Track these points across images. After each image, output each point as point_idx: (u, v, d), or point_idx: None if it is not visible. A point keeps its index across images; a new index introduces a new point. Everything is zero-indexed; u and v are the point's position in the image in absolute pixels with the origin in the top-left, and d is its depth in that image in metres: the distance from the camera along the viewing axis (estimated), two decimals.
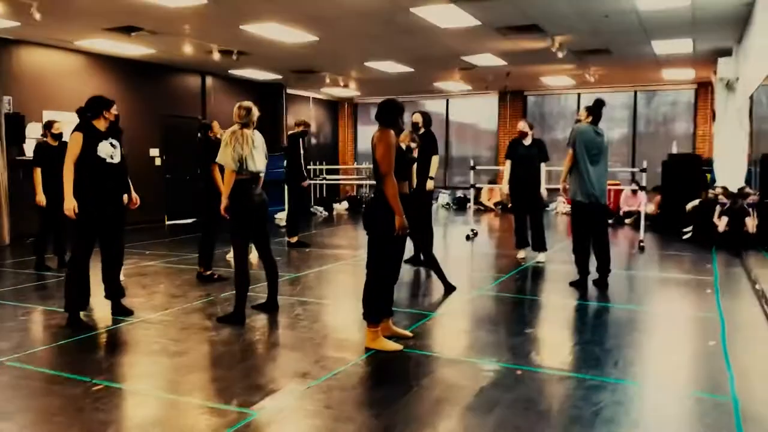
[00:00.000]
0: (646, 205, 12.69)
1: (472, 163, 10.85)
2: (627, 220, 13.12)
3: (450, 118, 18.46)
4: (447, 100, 18.27)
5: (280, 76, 14.43)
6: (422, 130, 7.41)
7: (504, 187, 8.55)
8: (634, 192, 13.02)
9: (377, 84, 15.58)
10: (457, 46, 10.80)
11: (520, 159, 8.27)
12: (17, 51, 10.29)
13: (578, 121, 6.76)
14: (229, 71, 13.76)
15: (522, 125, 8.46)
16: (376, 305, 4.44)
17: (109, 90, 11.80)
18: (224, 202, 5.14)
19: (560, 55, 10.60)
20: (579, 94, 16.42)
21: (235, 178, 5.09)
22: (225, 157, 5.09)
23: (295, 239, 9.57)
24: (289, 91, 16.32)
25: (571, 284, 6.67)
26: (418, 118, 7.47)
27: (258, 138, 5.34)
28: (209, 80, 14.04)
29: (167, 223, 13.06)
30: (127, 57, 11.82)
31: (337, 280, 7.39)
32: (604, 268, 6.69)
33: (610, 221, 13.02)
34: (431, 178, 7.46)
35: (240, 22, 9.09)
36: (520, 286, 6.77)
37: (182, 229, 12.12)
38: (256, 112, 5.38)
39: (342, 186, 18.52)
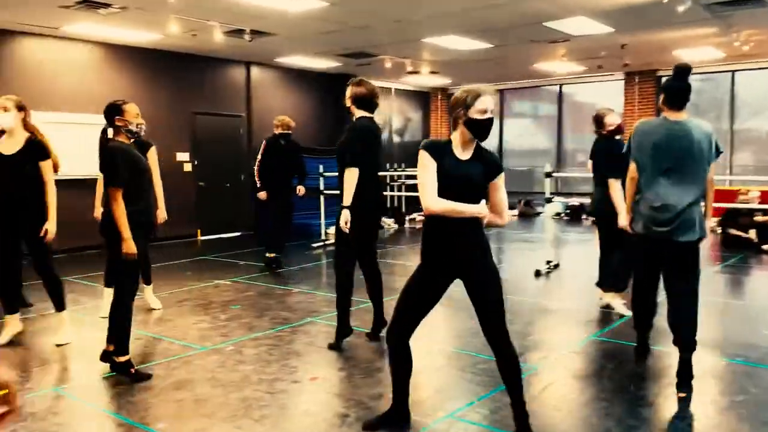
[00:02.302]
0: None
1: (548, 169, 7.76)
2: None
3: (563, 108, 15.10)
4: (560, 87, 14.92)
5: (339, 64, 12.09)
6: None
7: (622, 216, 5.22)
8: None
9: (463, 67, 12.71)
10: (530, 4, 7.77)
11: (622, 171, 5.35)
12: (4, 41, 8.77)
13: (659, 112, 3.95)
14: (275, 60, 11.67)
15: (615, 118, 5.51)
16: None
17: (125, 85, 10.15)
18: None
19: (680, 9, 7.22)
20: (733, 72, 12.40)
21: None
22: None
23: (271, 255, 8.04)
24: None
25: (637, 352, 4.41)
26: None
27: None
28: (255, 71, 12.03)
29: (200, 238, 11.24)
30: (153, 48, 10.12)
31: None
32: (685, 344, 3.87)
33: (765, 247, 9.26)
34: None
35: None
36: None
37: (218, 246, 10.25)
38: None
39: None
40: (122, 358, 4.03)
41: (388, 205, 14.01)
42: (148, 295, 5.94)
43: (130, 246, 3.90)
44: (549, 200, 7.84)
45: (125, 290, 4.04)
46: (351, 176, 4.48)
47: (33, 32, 8.96)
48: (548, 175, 7.70)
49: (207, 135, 11.35)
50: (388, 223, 12.86)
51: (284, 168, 8.01)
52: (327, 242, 10.24)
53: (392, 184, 14.07)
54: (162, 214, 5.74)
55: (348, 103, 4.68)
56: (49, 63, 9.25)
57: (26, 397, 3.81)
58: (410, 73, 12.76)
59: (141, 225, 4.02)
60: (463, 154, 3.01)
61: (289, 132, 7.89)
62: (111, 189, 3.90)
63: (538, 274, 7.52)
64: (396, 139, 15.71)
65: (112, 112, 4.05)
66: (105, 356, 4.16)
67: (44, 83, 9.14)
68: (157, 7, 7.70)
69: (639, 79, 13.36)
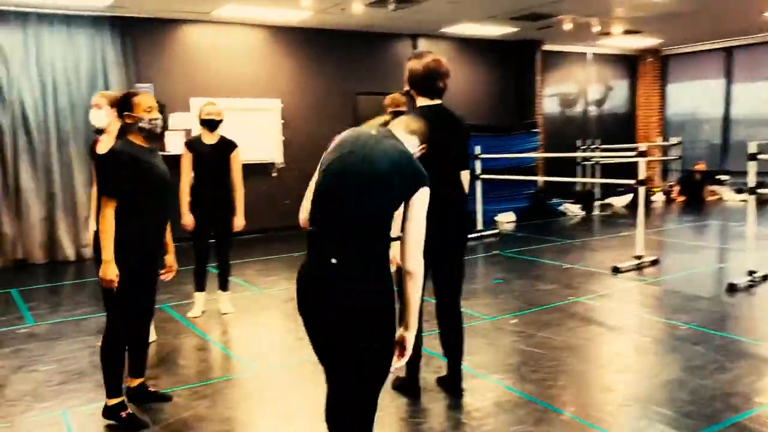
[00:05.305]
0: None
1: (752, 149, 5.75)
2: None
3: None
4: None
5: (515, 29, 10.67)
6: None
7: None
8: None
9: (672, 22, 10.48)
10: None
11: None
12: (165, 30, 8.91)
13: None
14: (442, 30, 10.64)
15: None
16: None
17: (285, 68, 9.92)
18: None
19: None
20: None
21: None
22: None
23: None
24: (548, 47, 12.29)
25: None
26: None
27: None
28: (422, 44, 11.10)
29: None
30: (309, 27, 9.76)
31: None
32: None
33: None
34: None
35: None
36: None
37: None
38: None
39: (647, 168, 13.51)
40: (110, 401, 3.40)
41: (577, 188, 12.28)
42: (222, 300, 5.50)
43: (107, 271, 3.17)
44: (753, 191, 5.81)
45: (113, 323, 3.35)
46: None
47: (188, 19, 9.02)
48: (752, 157, 5.70)
49: (370, 116, 10.74)
50: (573, 210, 11.20)
51: None
52: (484, 234, 9.06)
53: (584, 164, 12.29)
54: (239, 221, 5.25)
55: (405, 87, 3.41)
56: (208, 49, 9.27)
57: (34, 419, 3.45)
58: (601, 34, 10.86)
59: (132, 252, 3.27)
60: None
61: (401, 110, 6.72)
62: (102, 198, 3.22)
63: (732, 289, 5.65)
64: (593, 111, 13.72)
65: (121, 106, 3.39)
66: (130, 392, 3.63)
67: (205, 69, 9.18)
68: None
69: None
